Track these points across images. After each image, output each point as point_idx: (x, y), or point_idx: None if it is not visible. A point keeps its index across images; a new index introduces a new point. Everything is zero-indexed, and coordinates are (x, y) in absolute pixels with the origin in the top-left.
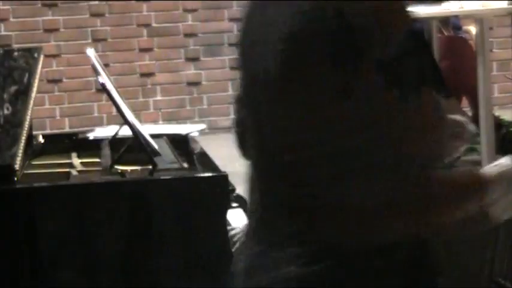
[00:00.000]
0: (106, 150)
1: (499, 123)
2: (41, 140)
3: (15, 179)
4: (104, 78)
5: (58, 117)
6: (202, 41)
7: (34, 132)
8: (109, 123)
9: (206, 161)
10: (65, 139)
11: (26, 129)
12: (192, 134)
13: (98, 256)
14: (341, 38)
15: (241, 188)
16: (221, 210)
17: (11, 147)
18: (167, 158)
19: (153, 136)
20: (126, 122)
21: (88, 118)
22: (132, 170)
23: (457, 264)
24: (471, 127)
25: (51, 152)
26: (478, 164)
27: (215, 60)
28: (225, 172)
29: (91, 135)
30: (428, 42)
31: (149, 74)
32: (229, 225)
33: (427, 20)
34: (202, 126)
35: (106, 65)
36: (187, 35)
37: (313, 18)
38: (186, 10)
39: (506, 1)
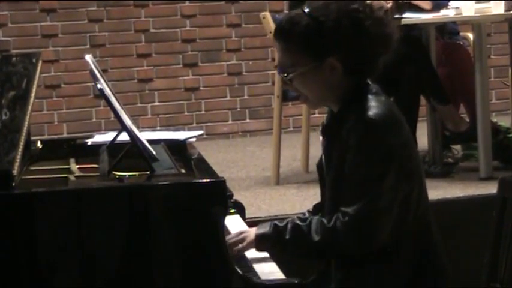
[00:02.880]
0: (104, 156)
1: (496, 130)
2: (39, 145)
3: (13, 184)
4: (102, 84)
5: (56, 123)
6: (200, 47)
7: (32, 138)
8: (107, 128)
9: (204, 167)
10: (63, 144)
11: (24, 134)
12: (189, 140)
13: (95, 261)
14: None
15: (238, 194)
16: (219, 216)
17: (9, 152)
18: (165, 164)
19: (151, 142)
20: (124, 127)
21: (86, 124)
22: (130, 176)
23: (456, 269)
24: None
25: (49, 158)
26: (476, 170)
27: (213, 66)
28: (222, 178)
29: (89, 141)
30: (426, 49)
31: (147, 80)
32: (227, 231)
33: (425, 27)
34: (200, 131)
35: (104, 71)
36: (186, 41)
37: None
38: (184, 16)
39: (503, 1)
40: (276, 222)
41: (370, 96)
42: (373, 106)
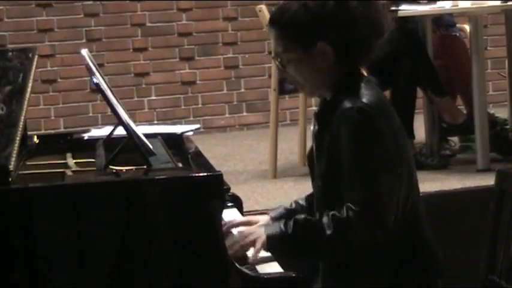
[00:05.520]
0: (101, 150)
1: (493, 121)
2: (36, 140)
3: (10, 179)
4: (98, 78)
5: (53, 117)
6: (196, 41)
7: (29, 133)
8: (104, 123)
9: (201, 160)
10: (60, 139)
11: (20, 129)
12: (186, 134)
13: (92, 255)
14: None
15: (236, 187)
16: (216, 210)
17: (6, 147)
18: (162, 158)
19: (148, 136)
20: (120, 122)
21: (83, 118)
22: (126, 170)
23: (454, 262)
24: None
25: (45, 153)
26: (473, 162)
27: (210, 60)
28: (219, 171)
29: (86, 135)
30: (423, 41)
31: (144, 74)
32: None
33: (421, 19)
34: (197, 125)
35: (100, 65)
36: (182, 35)
37: None
38: (180, 9)
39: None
40: (285, 221)
41: (362, 84)
42: (365, 94)
